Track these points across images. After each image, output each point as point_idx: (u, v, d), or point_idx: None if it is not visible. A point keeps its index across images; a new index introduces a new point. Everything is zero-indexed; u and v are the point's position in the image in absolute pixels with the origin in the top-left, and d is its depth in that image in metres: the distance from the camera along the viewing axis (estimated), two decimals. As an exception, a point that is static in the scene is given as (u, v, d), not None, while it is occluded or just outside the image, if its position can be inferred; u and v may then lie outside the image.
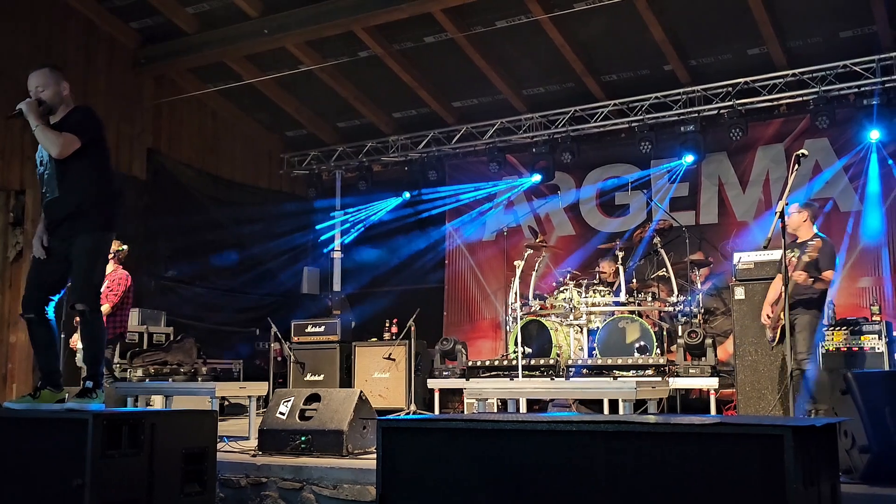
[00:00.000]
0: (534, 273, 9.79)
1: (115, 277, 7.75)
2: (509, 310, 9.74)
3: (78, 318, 4.68)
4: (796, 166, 5.70)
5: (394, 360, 9.68)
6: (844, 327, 7.07)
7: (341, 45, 10.90)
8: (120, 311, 7.75)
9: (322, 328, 10.49)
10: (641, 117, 10.87)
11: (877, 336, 6.99)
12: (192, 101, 12.24)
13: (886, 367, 6.84)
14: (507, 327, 9.88)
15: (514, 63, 11.14)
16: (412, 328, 9.38)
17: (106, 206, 4.66)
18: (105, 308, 7.56)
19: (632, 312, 8.99)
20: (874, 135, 9.82)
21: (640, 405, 6.67)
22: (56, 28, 10.65)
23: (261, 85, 11.93)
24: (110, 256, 7.75)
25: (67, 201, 4.56)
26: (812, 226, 6.81)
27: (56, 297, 4.63)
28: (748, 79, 10.23)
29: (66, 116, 4.64)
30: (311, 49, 11.14)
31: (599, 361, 8.41)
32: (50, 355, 4.67)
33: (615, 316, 9.00)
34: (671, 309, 9.13)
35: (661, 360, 8.31)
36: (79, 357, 7.47)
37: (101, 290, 7.49)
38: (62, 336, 4.95)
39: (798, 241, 6.74)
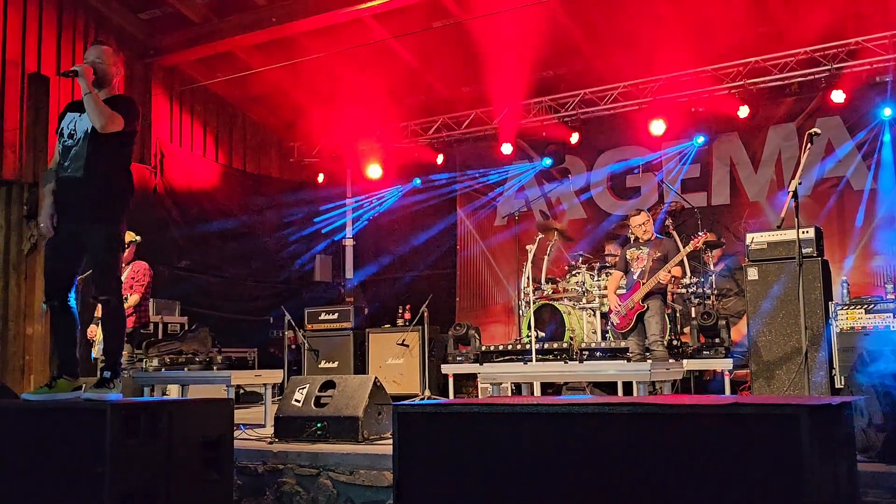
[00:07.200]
0: (546, 257, 9.77)
1: (138, 268, 7.81)
2: (522, 294, 9.72)
3: (100, 310, 4.67)
4: (809, 145, 5.67)
5: (407, 346, 9.71)
6: (859, 306, 7.03)
7: (350, 32, 10.87)
8: (143, 300, 7.84)
9: (335, 315, 10.53)
10: (651, 98, 10.79)
11: (891, 315, 6.92)
12: (202, 90, 12.25)
13: (902, 346, 6.80)
14: (520, 311, 9.87)
15: (522, 46, 11.07)
16: (425, 314, 9.40)
17: (125, 199, 4.67)
18: (134, 299, 7.64)
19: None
20: (887, 112, 9.73)
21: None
22: (65, 18, 10.67)
23: (270, 73, 11.93)
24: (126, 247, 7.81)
25: (91, 185, 4.51)
26: (652, 228, 7.86)
27: (75, 283, 4.63)
28: (759, 57, 10.14)
29: (112, 99, 4.64)
30: (320, 37, 11.12)
31: (613, 344, 8.40)
32: (69, 343, 4.69)
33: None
34: (684, 291, 9.10)
35: (675, 342, 8.29)
36: (97, 348, 7.53)
37: (124, 281, 7.66)
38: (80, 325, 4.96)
39: (642, 240, 7.77)
